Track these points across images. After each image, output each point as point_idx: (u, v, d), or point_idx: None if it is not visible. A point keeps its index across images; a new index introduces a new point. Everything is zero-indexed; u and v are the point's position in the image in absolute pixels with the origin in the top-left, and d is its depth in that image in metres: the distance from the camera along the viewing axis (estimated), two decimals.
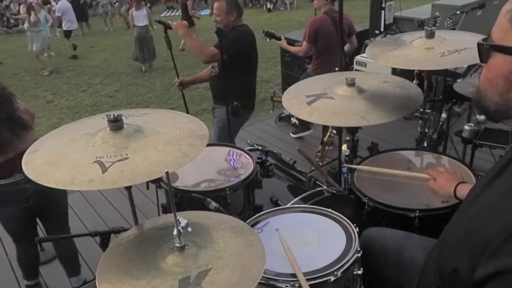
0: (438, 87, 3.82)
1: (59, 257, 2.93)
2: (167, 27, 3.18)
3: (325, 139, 4.01)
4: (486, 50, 0.90)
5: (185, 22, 3.34)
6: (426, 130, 2.71)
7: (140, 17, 9.17)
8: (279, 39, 4.34)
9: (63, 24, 11.48)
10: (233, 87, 3.12)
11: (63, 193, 2.68)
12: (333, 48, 4.07)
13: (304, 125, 4.74)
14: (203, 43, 3.40)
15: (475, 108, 1.00)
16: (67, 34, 11.57)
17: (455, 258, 0.94)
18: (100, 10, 16.07)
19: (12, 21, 16.04)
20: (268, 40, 4.39)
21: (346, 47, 4.24)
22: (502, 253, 0.80)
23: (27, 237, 2.62)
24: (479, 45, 0.92)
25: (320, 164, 3.90)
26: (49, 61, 10.08)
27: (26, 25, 9.56)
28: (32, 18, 9.30)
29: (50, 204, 2.58)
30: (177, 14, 17.63)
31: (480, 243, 0.85)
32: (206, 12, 11.31)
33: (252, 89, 3.55)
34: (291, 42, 5.08)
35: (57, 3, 11.78)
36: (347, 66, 4.32)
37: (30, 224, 2.61)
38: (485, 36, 0.93)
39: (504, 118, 0.94)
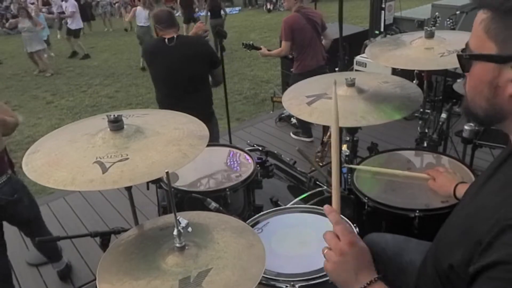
0: (438, 87, 3.82)
1: (38, 249, 2.93)
2: None
3: (325, 139, 4.02)
4: (466, 61, 0.94)
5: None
6: (426, 130, 2.71)
7: (140, 16, 9.14)
8: (258, 48, 4.37)
9: (69, 23, 11.33)
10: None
11: (29, 202, 2.58)
12: (310, 42, 4.14)
13: (306, 132, 4.75)
14: None
15: (465, 116, 1.03)
16: (76, 33, 11.29)
17: (451, 255, 0.96)
18: (100, 11, 16.06)
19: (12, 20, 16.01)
20: (249, 51, 4.41)
21: (324, 42, 4.30)
22: (495, 246, 0.82)
23: None
24: (458, 56, 0.96)
25: (320, 164, 3.90)
26: (49, 62, 10.07)
27: (25, 25, 9.48)
28: (31, 22, 9.24)
29: (15, 214, 2.48)
30: (177, 14, 17.64)
31: (475, 239, 0.87)
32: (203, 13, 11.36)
33: (165, 101, 3.31)
34: None
35: (66, 1, 11.57)
36: (329, 60, 4.34)
37: None
38: (464, 47, 0.96)
39: (495, 122, 0.96)
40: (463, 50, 0.96)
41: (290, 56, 4.35)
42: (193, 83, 3.20)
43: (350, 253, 1.04)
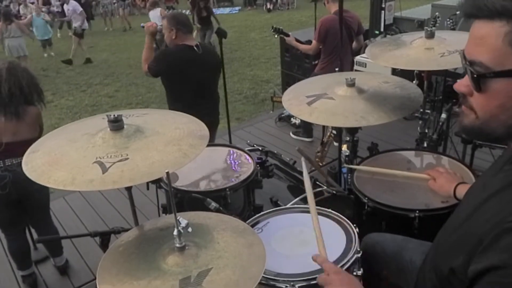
0: (438, 87, 3.82)
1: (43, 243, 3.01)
2: None
3: (325, 139, 4.02)
4: (485, 80, 0.87)
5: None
6: (426, 131, 2.71)
7: (154, 18, 9.04)
8: (287, 35, 4.36)
9: (73, 23, 11.14)
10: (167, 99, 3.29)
11: (44, 186, 2.72)
12: (341, 47, 4.13)
13: (307, 132, 4.76)
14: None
15: (471, 137, 0.97)
16: (80, 34, 10.94)
17: (451, 258, 0.96)
18: (101, 10, 16.04)
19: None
20: (276, 36, 4.42)
21: (353, 45, 4.35)
22: (493, 249, 0.82)
23: (14, 225, 2.71)
24: (480, 76, 0.87)
25: (320, 164, 3.90)
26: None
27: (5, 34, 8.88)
28: (15, 25, 8.88)
29: (30, 196, 2.62)
30: (187, 12, 17.62)
31: (474, 242, 0.87)
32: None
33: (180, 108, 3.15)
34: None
35: (67, 3, 11.38)
36: (353, 64, 4.38)
37: (13, 212, 2.65)
38: (475, 66, 0.88)
39: None
40: (476, 69, 0.88)
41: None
42: (213, 90, 3.30)
43: (336, 278, 1.17)
